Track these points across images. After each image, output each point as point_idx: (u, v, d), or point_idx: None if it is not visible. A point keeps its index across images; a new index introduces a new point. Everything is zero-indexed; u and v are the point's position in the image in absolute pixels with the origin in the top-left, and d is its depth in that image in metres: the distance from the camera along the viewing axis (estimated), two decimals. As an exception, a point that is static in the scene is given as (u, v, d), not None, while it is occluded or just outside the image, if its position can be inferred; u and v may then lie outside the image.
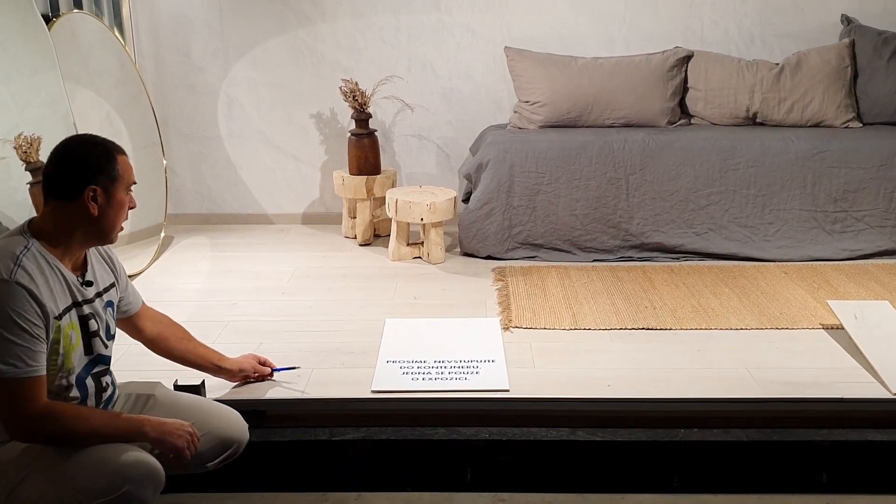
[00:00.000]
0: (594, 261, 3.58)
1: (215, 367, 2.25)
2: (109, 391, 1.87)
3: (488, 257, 3.62)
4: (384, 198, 3.72)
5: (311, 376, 2.50)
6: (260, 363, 2.40)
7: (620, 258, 3.59)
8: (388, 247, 3.70)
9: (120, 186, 1.73)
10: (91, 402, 1.80)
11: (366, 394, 2.39)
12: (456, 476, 2.25)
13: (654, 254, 3.59)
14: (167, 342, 2.11)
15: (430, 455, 2.25)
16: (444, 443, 2.23)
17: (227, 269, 3.55)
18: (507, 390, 2.40)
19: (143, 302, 2.08)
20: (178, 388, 2.21)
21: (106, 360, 1.85)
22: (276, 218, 4.29)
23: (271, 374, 2.44)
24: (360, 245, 3.87)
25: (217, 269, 3.56)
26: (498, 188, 3.55)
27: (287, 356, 2.61)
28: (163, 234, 3.83)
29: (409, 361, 2.59)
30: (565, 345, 2.74)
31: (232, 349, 2.50)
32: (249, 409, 2.24)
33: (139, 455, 1.67)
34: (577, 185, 3.55)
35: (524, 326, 2.89)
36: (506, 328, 2.87)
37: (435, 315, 3.00)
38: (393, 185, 3.93)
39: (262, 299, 3.17)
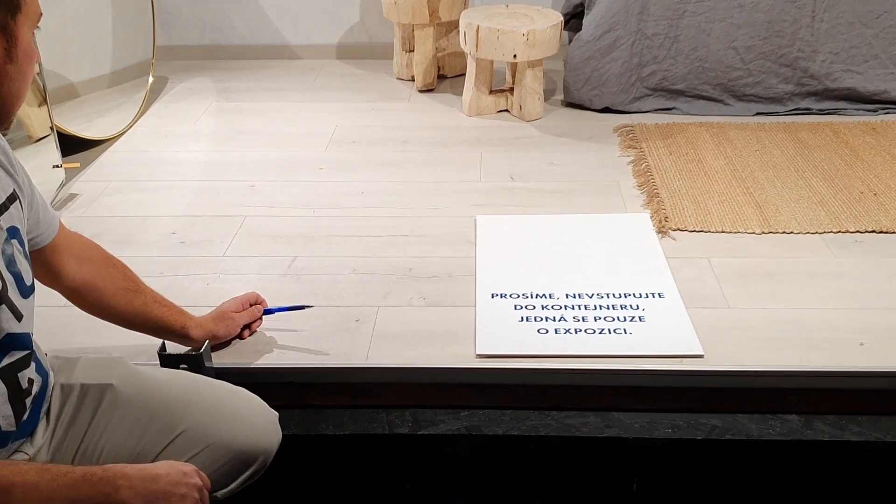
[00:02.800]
0: (756, 114, 2.62)
1: (178, 336, 1.43)
2: (37, 388, 1.11)
3: (605, 110, 2.64)
4: (453, 23, 2.81)
5: (375, 322, 1.63)
6: (253, 303, 1.59)
7: (793, 111, 2.63)
8: (461, 95, 2.71)
9: (25, 22, 1.04)
10: (5, 413, 1.04)
11: (468, 359, 1.54)
12: (616, 486, 1.55)
13: (841, 104, 2.64)
14: (100, 295, 1.32)
15: (573, 456, 1.51)
16: (596, 441, 1.48)
17: (239, 130, 2.62)
18: (701, 355, 1.52)
19: (61, 224, 1.26)
20: (164, 360, 1.42)
21: (23, 340, 1.08)
22: (303, 51, 3.40)
23: (261, 319, 1.60)
24: (421, 91, 2.89)
25: (225, 130, 2.63)
26: (626, 9, 2.57)
27: (336, 282, 1.76)
28: (151, 78, 2.88)
29: (526, 296, 1.68)
30: (764, 262, 1.81)
31: (249, 270, 1.78)
32: (284, 382, 1.52)
33: None
34: (741, 4, 2.57)
35: (690, 229, 1.93)
36: (661, 232, 1.91)
37: (544, 207, 2.07)
38: (465, 5, 2.86)
39: (289, 179, 2.26)
